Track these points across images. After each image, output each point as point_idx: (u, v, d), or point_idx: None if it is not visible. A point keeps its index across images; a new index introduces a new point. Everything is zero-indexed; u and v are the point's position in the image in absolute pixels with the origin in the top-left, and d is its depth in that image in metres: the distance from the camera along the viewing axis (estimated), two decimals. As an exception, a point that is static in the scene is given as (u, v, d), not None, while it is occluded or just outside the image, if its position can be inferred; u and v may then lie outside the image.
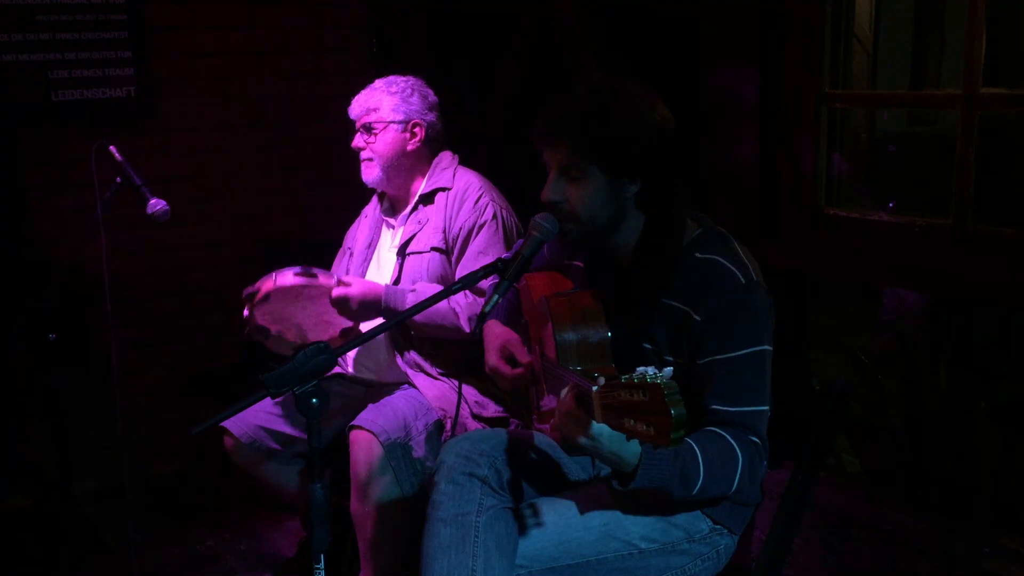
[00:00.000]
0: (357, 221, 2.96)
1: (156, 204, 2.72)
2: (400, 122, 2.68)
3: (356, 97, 2.71)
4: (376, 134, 2.67)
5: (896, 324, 3.27)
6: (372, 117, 2.67)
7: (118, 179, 2.74)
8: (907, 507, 2.59)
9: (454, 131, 2.84)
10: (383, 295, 2.53)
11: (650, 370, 1.44)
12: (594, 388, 1.51)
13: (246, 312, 2.53)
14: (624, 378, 1.46)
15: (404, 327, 2.63)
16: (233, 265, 3.87)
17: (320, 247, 2.99)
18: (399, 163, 2.69)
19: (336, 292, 2.48)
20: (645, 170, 1.82)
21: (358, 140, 2.70)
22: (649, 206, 1.87)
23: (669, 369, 1.44)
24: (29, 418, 3.38)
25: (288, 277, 2.46)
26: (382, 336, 2.66)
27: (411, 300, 2.54)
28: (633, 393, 1.44)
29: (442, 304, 2.52)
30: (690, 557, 1.89)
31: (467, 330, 2.50)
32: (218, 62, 3.71)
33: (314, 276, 2.48)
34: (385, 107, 2.67)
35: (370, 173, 2.70)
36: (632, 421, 1.44)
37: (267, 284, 2.46)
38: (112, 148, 2.74)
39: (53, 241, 3.45)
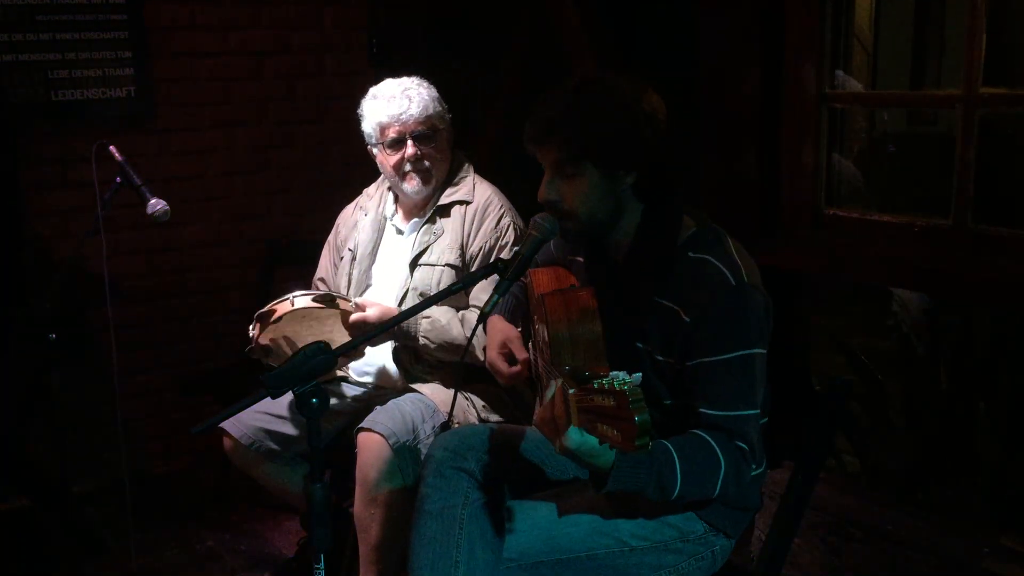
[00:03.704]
0: (351, 213, 2.87)
1: (156, 204, 2.72)
2: (445, 129, 2.63)
3: (399, 102, 2.56)
4: (433, 143, 2.59)
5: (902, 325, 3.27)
6: (430, 124, 2.58)
7: (118, 179, 2.74)
8: (907, 507, 2.59)
9: (454, 132, 2.84)
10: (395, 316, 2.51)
11: (622, 375, 1.43)
12: (571, 391, 1.51)
13: (253, 330, 2.47)
14: (596, 383, 1.46)
15: (413, 351, 2.60)
16: (233, 265, 3.87)
17: (320, 247, 2.98)
18: (443, 171, 2.65)
19: (355, 318, 2.43)
20: (639, 161, 1.81)
21: (411, 149, 2.56)
22: (647, 197, 1.87)
23: (638, 375, 1.43)
24: (29, 418, 3.39)
25: (306, 300, 2.40)
26: (388, 353, 2.65)
27: (424, 326, 2.52)
28: (605, 398, 1.43)
29: (456, 329, 2.52)
30: (683, 556, 1.88)
31: (473, 358, 2.46)
32: (218, 62, 3.71)
33: (333, 302, 2.42)
34: (434, 112, 2.59)
35: (427, 184, 2.60)
36: (604, 426, 1.44)
37: (283, 305, 2.40)
38: (112, 148, 2.74)
39: (53, 241, 3.46)
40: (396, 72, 2.75)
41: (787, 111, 2.64)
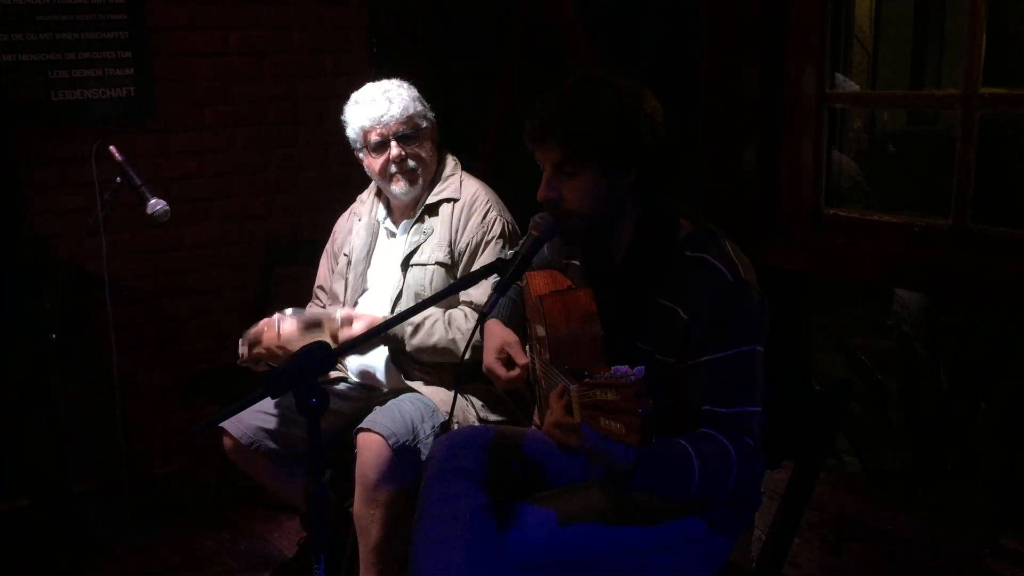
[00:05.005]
0: (346, 220, 2.90)
1: (156, 204, 2.72)
2: (429, 128, 2.65)
3: (380, 105, 2.58)
4: (417, 142, 2.60)
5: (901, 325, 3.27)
6: (412, 124, 2.59)
7: (118, 179, 2.74)
8: (907, 507, 2.59)
9: (454, 132, 2.84)
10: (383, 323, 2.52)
11: (624, 368, 1.44)
12: (572, 387, 1.51)
13: (242, 348, 2.50)
14: (598, 377, 1.47)
15: (406, 354, 2.60)
16: (233, 265, 3.87)
17: (319, 247, 2.98)
18: (430, 170, 2.66)
19: (343, 335, 2.46)
20: (638, 160, 1.81)
21: (394, 150, 2.58)
22: (646, 197, 1.87)
23: (640, 368, 1.44)
24: (29, 418, 3.39)
25: (292, 331, 2.43)
26: (384, 352, 2.65)
27: (408, 332, 2.54)
28: (607, 392, 1.44)
29: (439, 333, 2.53)
30: (685, 556, 1.88)
31: (466, 357, 2.49)
32: (218, 62, 3.71)
33: (319, 326, 2.44)
34: (416, 111, 2.61)
35: (413, 185, 2.62)
36: (606, 420, 1.44)
37: (270, 335, 2.43)
38: (112, 148, 2.74)
39: (53, 241, 3.46)
40: (396, 72, 2.75)
41: (787, 111, 2.64)
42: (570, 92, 1.82)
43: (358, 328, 2.46)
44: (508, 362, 2.07)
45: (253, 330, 2.50)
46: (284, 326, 2.42)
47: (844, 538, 2.54)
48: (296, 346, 2.47)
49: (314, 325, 2.45)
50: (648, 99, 1.82)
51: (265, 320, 2.55)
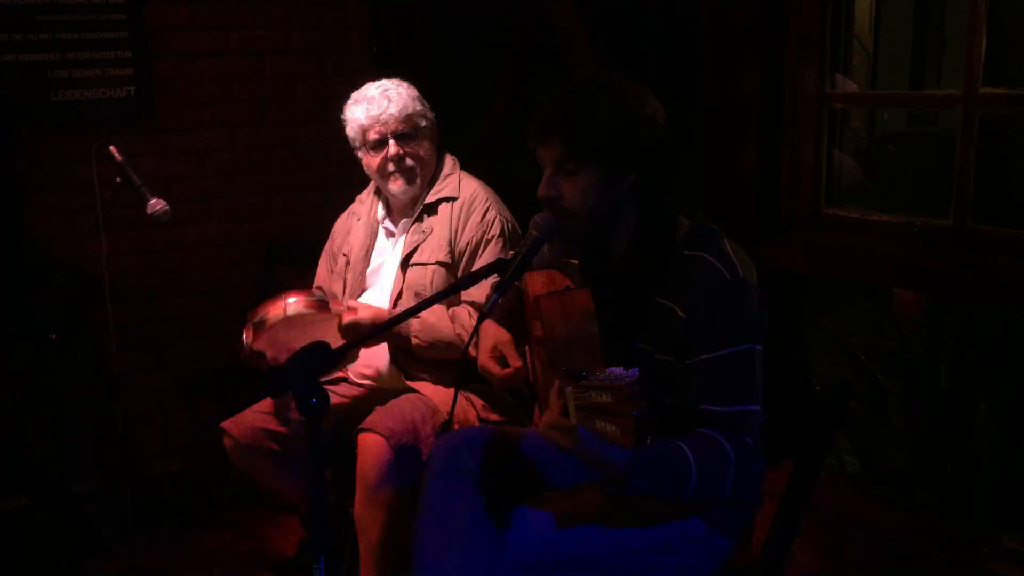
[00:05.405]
0: (345, 220, 2.90)
1: (156, 204, 2.72)
2: (428, 127, 2.66)
3: (379, 103, 2.59)
4: (416, 141, 2.61)
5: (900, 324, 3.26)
6: (411, 123, 2.60)
7: (118, 179, 2.74)
8: (907, 507, 2.59)
9: (454, 132, 2.84)
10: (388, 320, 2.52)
11: (618, 371, 1.44)
12: (568, 388, 1.51)
13: (246, 336, 2.46)
14: (592, 379, 1.47)
15: (410, 352, 2.60)
16: (233, 265, 3.87)
17: (319, 247, 2.99)
18: (429, 169, 2.67)
19: (346, 319, 2.45)
20: (638, 161, 1.82)
21: (392, 149, 2.59)
22: (645, 199, 1.87)
23: (635, 370, 1.43)
24: (29, 418, 3.39)
25: (299, 305, 2.40)
26: (385, 352, 2.65)
27: (415, 326, 2.53)
28: (601, 394, 1.44)
29: (446, 327, 2.52)
30: (684, 556, 1.88)
31: (472, 353, 2.48)
32: (218, 62, 3.71)
33: (325, 306, 2.42)
34: (415, 110, 2.62)
35: (411, 184, 2.62)
36: (601, 422, 1.44)
37: (275, 310, 2.40)
38: (112, 148, 2.74)
39: (53, 241, 3.46)
40: (396, 72, 2.75)
41: (787, 111, 2.64)
42: (573, 91, 1.83)
43: (363, 315, 2.45)
44: (502, 360, 2.07)
45: (256, 312, 2.45)
46: (290, 307, 2.39)
47: (844, 538, 2.54)
48: (297, 333, 2.46)
49: (321, 305, 2.42)
50: (650, 100, 1.83)
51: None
